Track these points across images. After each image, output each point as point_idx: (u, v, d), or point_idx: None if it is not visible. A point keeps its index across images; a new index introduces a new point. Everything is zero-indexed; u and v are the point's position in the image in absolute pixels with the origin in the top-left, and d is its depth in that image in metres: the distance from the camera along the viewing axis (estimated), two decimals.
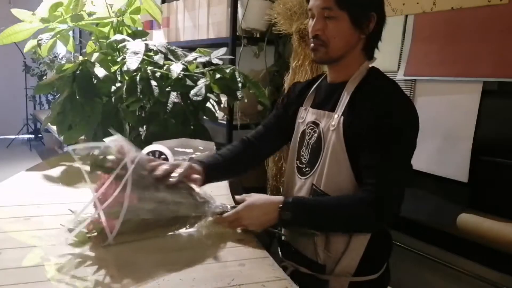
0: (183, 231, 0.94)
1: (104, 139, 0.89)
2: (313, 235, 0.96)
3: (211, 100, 1.69)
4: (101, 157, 0.86)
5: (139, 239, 0.87)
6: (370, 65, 1.03)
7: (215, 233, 0.95)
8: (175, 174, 0.92)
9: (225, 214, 0.95)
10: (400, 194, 0.94)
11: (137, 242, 0.88)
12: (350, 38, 0.97)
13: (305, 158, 1.06)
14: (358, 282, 1.00)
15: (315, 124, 1.04)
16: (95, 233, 0.83)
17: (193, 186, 0.97)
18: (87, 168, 0.86)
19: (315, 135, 1.03)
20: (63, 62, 4.85)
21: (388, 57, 1.64)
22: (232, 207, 0.96)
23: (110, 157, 0.87)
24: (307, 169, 1.04)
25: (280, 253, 1.15)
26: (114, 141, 0.88)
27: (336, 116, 0.98)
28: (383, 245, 1.06)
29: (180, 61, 1.64)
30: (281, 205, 0.92)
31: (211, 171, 1.05)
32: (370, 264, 1.01)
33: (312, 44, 1.00)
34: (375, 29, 0.98)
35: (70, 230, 0.82)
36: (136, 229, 0.85)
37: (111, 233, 0.82)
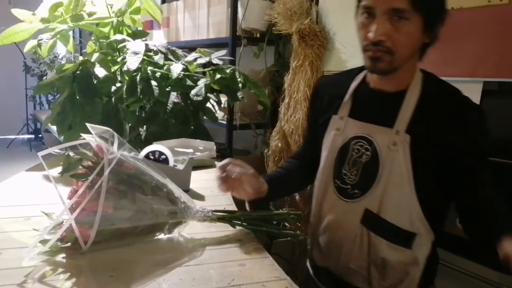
0: (162, 236, 0.92)
1: (84, 135, 0.85)
2: (297, 236, 0.92)
3: (211, 100, 1.69)
4: (75, 160, 0.82)
5: (116, 247, 0.84)
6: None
7: (214, 232, 0.95)
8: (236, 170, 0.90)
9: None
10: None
11: (134, 243, 0.88)
12: (418, 44, 0.85)
13: (350, 178, 0.92)
14: None
15: (367, 140, 0.90)
16: (69, 244, 0.79)
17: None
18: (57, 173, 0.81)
19: (368, 153, 0.89)
20: (63, 62, 4.86)
21: None
22: (214, 212, 0.93)
23: (85, 160, 0.84)
24: (356, 191, 0.91)
25: (314, 277, 1.06)
26: (93, 140, 0.83)
27: (398, 132, 0.85)
28: (436, 257, 0.99)
29: (180, 61, 1.64)
30: None
31: (273, 186, 0.98)
32: (427, 280, 0.94)
33: (370, 52, 0.83)
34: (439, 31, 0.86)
35: (43, 243, 0.77)
36: (111, 237, 0.82)
37: (85, 243, 0.78)
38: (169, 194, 0.90)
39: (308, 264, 1.10)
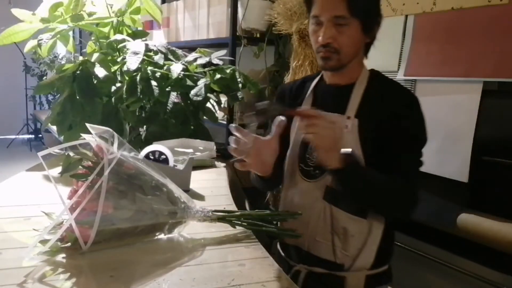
0: (162, 236, 0.92)
1: (84, 135, 0.85)
2: (298, 236, 0.99)
3: (211, 100, 1.69)
4: (75, 160, 0.82)
5: (116, 247, 0.85)
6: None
7: (214, 232, 0.95)
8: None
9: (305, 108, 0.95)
10: (419, 186, 0.99)
11: (134, 243, 0.88)
12: (359, 44, 1.00)
13: (312, 161, 1.05)
14: (373, 274, 1.03)
15: None
16: (69, 244, 0.80)
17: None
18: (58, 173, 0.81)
19: None
20: (63, 62, 4.86)
21: (388, 57, 1.65)
22: (214, 212, 0.95)
23: (85, 160, 0.84)
24: (317, 171, 1.03)
25: (285, 256, 1.14)
26: (93, 140, 0.83)
27: (348, 118, 0.99)
28: (392, 237, 1.11)
29: (180, 61, 1.64)
30: (346, 154, 0.90)
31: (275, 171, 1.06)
32: (383, 256, 1.05)
33: (321, 53, 0.98)
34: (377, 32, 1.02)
35: (43, 243, 0.77)
36: (111, 237, 0.82)
37: (86, 243, 0.78)
38: (169, 194, 0.90)
39: (278, 246, 1.18)
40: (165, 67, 1.58)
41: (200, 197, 1.22)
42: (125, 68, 1.47)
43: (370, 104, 0.99)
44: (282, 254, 1.15)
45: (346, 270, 1.02)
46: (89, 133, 0.85)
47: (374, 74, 1.05)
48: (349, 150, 0.91)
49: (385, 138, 0.96)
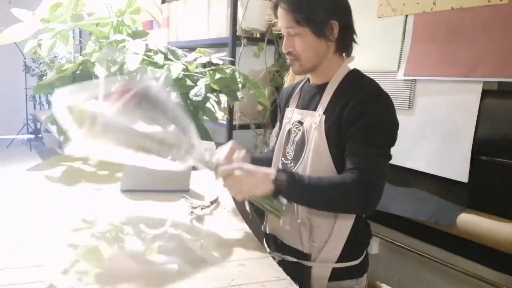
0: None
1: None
2: (279, 213, 1.00)
3: (211, 100, 1.69)
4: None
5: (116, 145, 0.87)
6: (350, 64, 1.09)
7: (215, 233, 0.95)
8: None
9: (222, 168, 0.97)
10: (382, 180, 0.98)
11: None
12: (318, 48, 1.04)
13: (290, 155, 1.12)
14: (340, 268, 1.06)
15: (300, 123, 1.11)
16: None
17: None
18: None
19: (300, 133, 1.11)
20: (63, 62, 4.85)
21: (388, 57, 1.64)
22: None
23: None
24: (292, 164, 1.10)
25: (266, 246, 1.19)
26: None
27: (317, 114, 1.05)
28: (363, 233, 1.13)
29: (180, 61, 1.64)
30: (274, 176, 0.95)
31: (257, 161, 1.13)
32: (351, 251, 1.07)
33: (288, 60, 1.09)
34: (342, 33, 1.04)
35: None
36: (118, 134, 0.87)
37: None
38: (184, 129, 0.93)
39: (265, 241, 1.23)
40: (165, 67, 1.58)
41: (200, 197, 1.22)
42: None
43: (337, 100, 1.04)
44: (265, 244, 1.20)
45: (313, 261, 1.07)
46: None
47: (351, 73, 1.08)
48: (274, 172, 0.96)
49: (345, 133, 1.00)
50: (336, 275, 1.06)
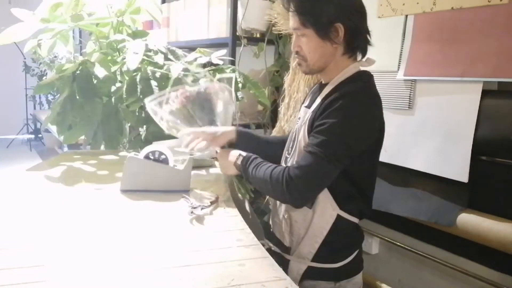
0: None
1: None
2: (246, 193, 1.09)
3: None
4: None
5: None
6: (362, 66, 1.09)
7: (215, 233, 0.95)
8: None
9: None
10: (315, 183, 1.01)
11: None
12: (323, 49, 1.06)
13: (289, 149, 1.18)
14: (317, 268, 1.08)
15: (299, 119, 1.17)
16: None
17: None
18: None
19: (296, 129, 1.17)
20: (63, 62, 4.85)
21: (388, 57, 1.64)
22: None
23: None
24: (289, 157, 1.17)
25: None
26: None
27: (310, 111, 1.10)
28: (348, 237, 1.12)
29: (180, 61, 1.64)
30: (235, 159, 1.12)
31: (243, 134, 1.24)
32: (329, 253, 1.08)
33: (296, 60, 1.13)
34: (349, 36, 1.04)
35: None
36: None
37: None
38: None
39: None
40: (165, 67, 1.58)
41: (200, 197, 1.22)
42: (125, 68, 1.47)
43: (325, 99, 1.06)
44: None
45: (291, 254, 1.12)
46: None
47: (356, 74, 1.08)
48: (237, 156, 1.13)
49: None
50: (311, 274, 1.09)
